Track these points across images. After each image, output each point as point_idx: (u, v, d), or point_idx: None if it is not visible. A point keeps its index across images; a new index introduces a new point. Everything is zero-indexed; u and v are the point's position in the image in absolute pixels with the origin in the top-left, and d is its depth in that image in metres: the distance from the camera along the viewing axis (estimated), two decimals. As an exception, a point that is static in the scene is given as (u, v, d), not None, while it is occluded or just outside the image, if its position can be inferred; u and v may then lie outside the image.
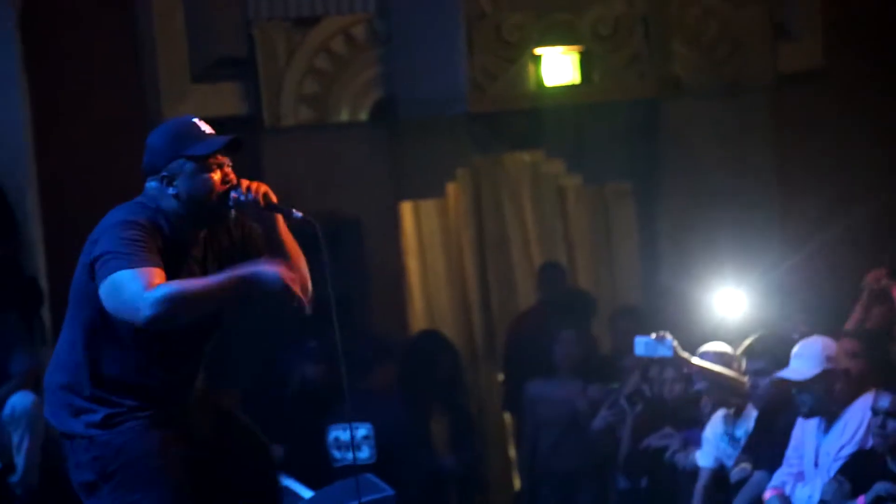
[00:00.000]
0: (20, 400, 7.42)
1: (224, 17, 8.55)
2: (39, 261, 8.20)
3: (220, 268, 4.01)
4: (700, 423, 6.73)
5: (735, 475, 6.28)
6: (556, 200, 9.54)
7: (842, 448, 5.80)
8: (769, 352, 6.15)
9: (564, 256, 9.46)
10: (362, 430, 6.95)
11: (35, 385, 7.64)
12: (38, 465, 7.45)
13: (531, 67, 8.67)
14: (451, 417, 7.87)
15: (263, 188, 3.98)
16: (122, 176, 8.25)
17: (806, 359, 5.84)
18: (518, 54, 8.62)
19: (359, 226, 8.55)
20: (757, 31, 9.32)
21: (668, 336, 6.42)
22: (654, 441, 6.94)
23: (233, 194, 3.95)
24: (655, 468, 6.98)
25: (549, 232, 9.51)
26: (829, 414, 5.84)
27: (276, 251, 4.01)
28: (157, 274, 3.81)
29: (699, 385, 6.60)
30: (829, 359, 5.85)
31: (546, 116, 9.22)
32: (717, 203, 9.24)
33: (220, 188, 3.95)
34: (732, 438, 6.43)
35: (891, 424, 5.45)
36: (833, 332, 6.39)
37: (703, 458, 6.54)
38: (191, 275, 3.94)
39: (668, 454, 6.80)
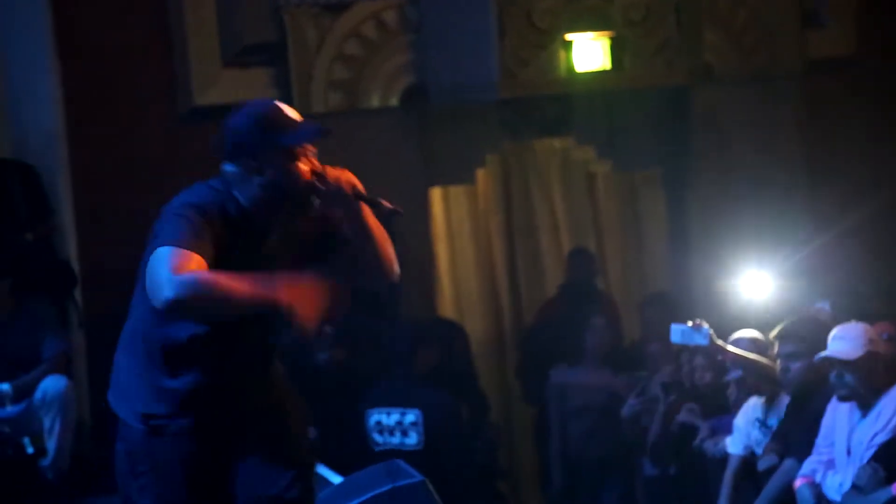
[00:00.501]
0: (52, 384, 7.47)
1: (254, 3, 8.55)
2: (71, 244, 8.25)
3: (298, 252, 3.91)
4: (728, 410, 6.74)
5: (762, 464, 6.28)
6: (585, 187, 9.56)
7: (875, 436, 5.77)
8: (802, 336, 6.13)
9: (593, 243, 9.47)
10: (410, 416, 6.95)
11: (66, 368, 7.69)
12: (69, 449, 7.49)
13: (562, 53, 8.65)
14: (468, 405, 7.87)
15: (349, 177, 3.85)
16: (152, 160, 8.37)
17: (849, 340, 5.81)
18: (549, 40, 8.62)
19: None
20: (787, 19, 9.31)
21: (705, 324, 6.40)
22: (681, 417, 6.94)
23: (320, 186, 3.82)
24: (684, 455, 6.99)
25: (578, 218, 9.52)
26: (866, 399, 5.82)
27: (361, 235, 3.89)
28: (193, 259, 3.65)
29: (734, 374, 6.58)
30: (871, 342, 5.83)
31: (576, 102, 9.24)
32: (747, 189, 9.23)
33: (307, 178, 3.81)
34: (764, 425, 6.42)
35: None
36: (861, 314, 6.41)
37: (734, 444, 6.54)
38: (262, 261, 3.80)
39: (696, 441, 6.80)
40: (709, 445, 6.76)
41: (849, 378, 5.79)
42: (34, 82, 8.20)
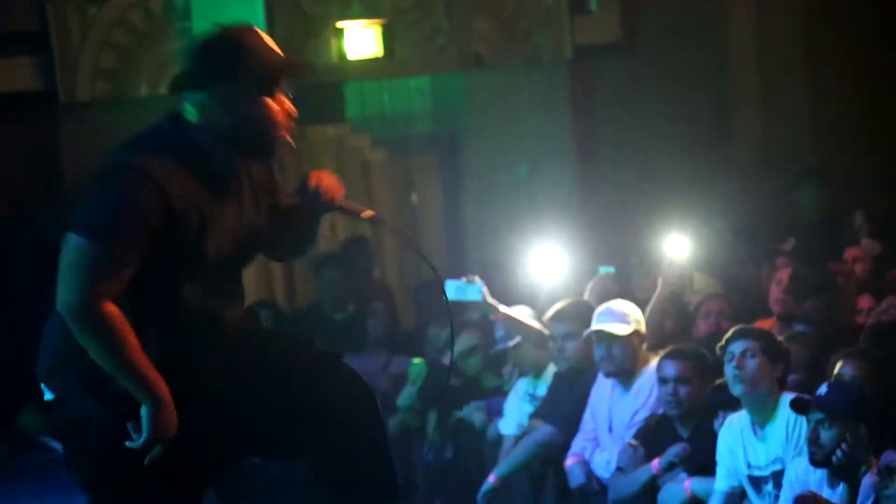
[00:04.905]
0: None
1: None
2: None
3: (257, 204, 3.55)
4: (503, 392, 6.82)
5: (532, 432, 6.38)
6: (361, 175, 9.50)
7: (635, 413, 5.96)
8: (576, 316, 6.25)
9: (369, 231, 9.49)
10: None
11: None
12: None
13: (333, 41, 8.62)
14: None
15: (339, 191, 3.58)
16: None
17: (618, 317, 5.99)
18: (320, 28, 8.57)
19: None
20: (555, 6, 9.44)
21: (478, 279, 6.43)
22: (464, 414, 6.99)
23: (299, 194, 3.55)
24: (460, 439, 7.05)
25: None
26: (628, 376, 6.00)
27: (304, 232, 3.67)
28: (114, 284, 3.30)
29: (506, 343, 6.63)
30: (636, 321, 6.03)
31: (349, 90, 9.23)
32: (519, 176, 9.40)
33: (281, 126, 3.42)
34: (534, 398, 6.52)
35: (682, 390, 5.62)
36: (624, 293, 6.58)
37: (506, 426, 6.63)
38: (231, 216, 3.45)
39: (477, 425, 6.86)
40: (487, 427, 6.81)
41: (617, 352, 5.97)
42: None
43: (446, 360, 7.24)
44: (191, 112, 3.40)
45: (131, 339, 3.34)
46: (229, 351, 3.54)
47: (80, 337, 3.34)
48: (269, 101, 3.38)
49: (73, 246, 3.30)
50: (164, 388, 3.39)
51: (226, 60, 3.36)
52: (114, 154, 3.37)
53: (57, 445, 3.69)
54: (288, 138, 3.46)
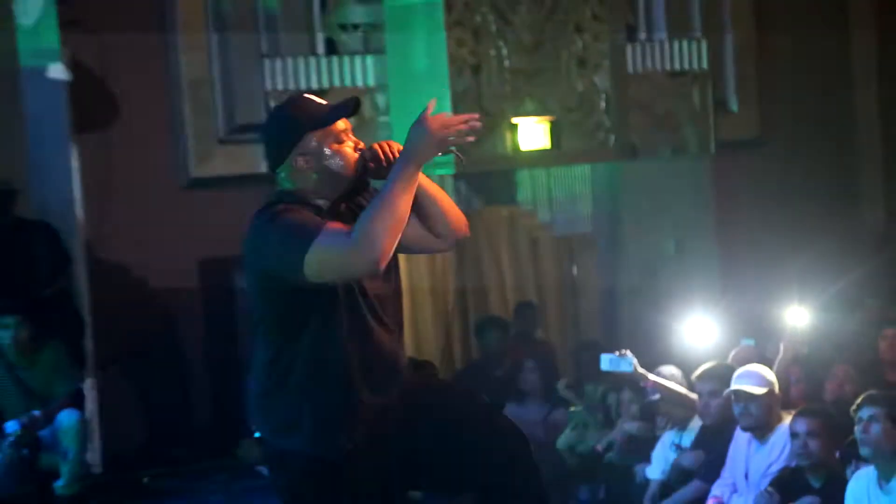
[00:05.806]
0: (67, 416, 8.13)
1: (246, 89, 9.23)
2: (84, 296, 8.88)
3: None
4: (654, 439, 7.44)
5: (682, 462, 7.02)
6: (529, 249, 10.24)
7: (770, 465, 6.46)
8: (719, 376, 6.83)
9: (536, 298, 10.16)
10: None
11: (80, 404, 8.34)
12: (79, 474, 8.14)
13: (509, 134, 9.27)
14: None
15: (395, 146, 3.80)
16: (156, 223, 8.96)
17: (754, 378, 6.56)
18: (498, 123, 9.21)
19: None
20: (700, 105, 10.19)
21: (629, 354, 7.06)
22: (612, 458, 7.67)
23: (369, 164, 3.77)
24: (612, 479, 7.68)
25: (522, 277, 10.16)
26: (764, 431, 6.48)
27: (421, 198, 3.82)
28: (339, 225, 3.62)
29: (653, 397, 7.24)
30: (770, 382, 6.55)
31: (521, 176, 10.06)
32: (667, 252, 10.21)
33: (354, 157, 3.77)
34: (679, 448, 7.16)
35: (811, 444, 6.05)
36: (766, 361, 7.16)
37: (652, 471, 7.23)
38: None
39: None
40: (638, 471, 7.41)
41: (753, 409, 6.45)
42: (54, 158, 8.78)
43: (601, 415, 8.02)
44: (288, 183, 3.81)
45: (381, 208, 3.58)
46: (405, 394, 3.91)
47: (390, 246, 3.58)
48: (336, 146, 3.75)
49: (317, 253, 3.61)
50: (404, 173, 3.62)
51: (288, 132, 3.75)
52: (255, 222, 3.75)
53: (267, 473, 4.25)
54: (356, 170, 3.77)
